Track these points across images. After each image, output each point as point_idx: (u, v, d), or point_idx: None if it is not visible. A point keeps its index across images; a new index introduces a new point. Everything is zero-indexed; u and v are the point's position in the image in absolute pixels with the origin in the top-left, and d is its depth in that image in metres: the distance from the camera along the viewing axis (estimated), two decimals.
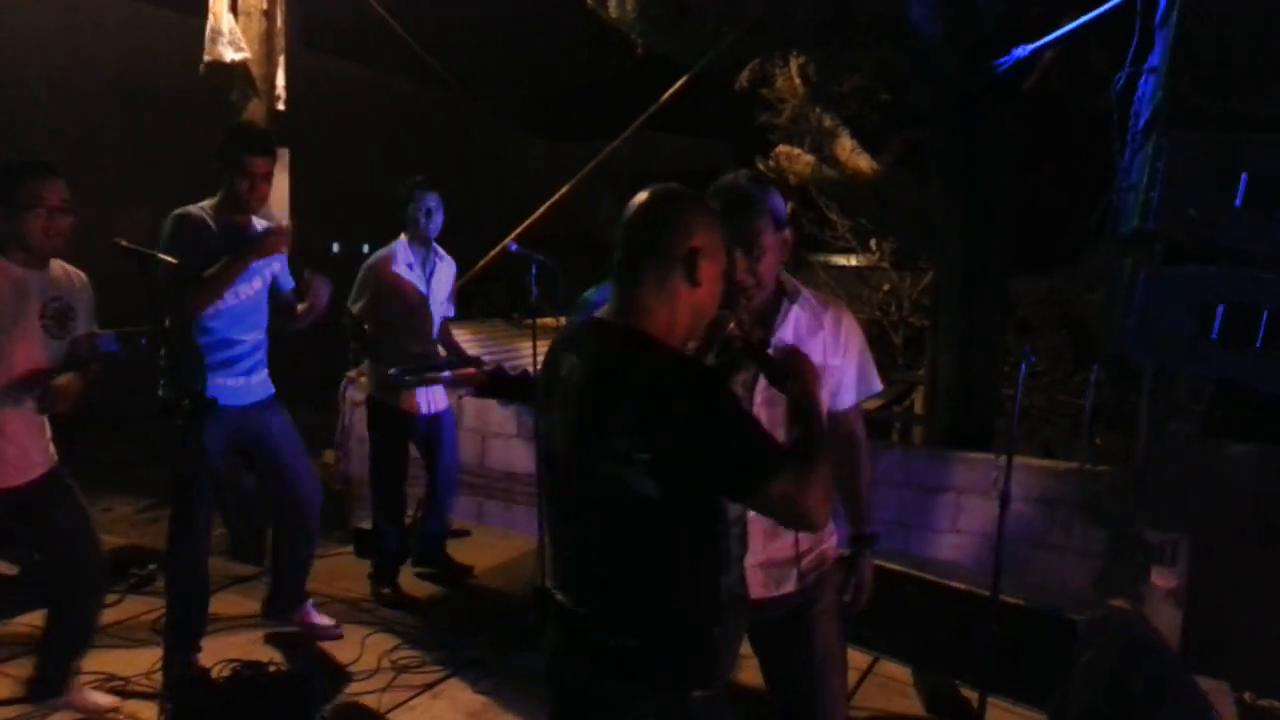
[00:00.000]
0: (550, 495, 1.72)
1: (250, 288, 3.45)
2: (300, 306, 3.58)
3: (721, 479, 1.56)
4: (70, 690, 3.18)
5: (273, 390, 3.63)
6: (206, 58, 4.64)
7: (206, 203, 3.39)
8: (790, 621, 2.15)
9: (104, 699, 3.23)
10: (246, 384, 3.49)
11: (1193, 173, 2.47)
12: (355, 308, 4.26)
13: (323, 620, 3.94)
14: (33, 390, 2.85)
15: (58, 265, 2.96)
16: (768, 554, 2.08)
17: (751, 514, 2.03)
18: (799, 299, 2.15)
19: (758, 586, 2.10)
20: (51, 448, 3.04)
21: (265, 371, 3.59)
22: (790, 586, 2.14)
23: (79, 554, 3.10)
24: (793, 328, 2.12)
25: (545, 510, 1.71)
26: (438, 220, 4.26)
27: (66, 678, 3.18)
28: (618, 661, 1.58)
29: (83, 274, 3.04)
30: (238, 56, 4.66)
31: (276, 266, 3.56)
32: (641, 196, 1.69)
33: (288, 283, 3.64)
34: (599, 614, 1.60)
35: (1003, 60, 4.30)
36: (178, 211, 3.32)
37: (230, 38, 4.61)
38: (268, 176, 3.38)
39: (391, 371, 4.10)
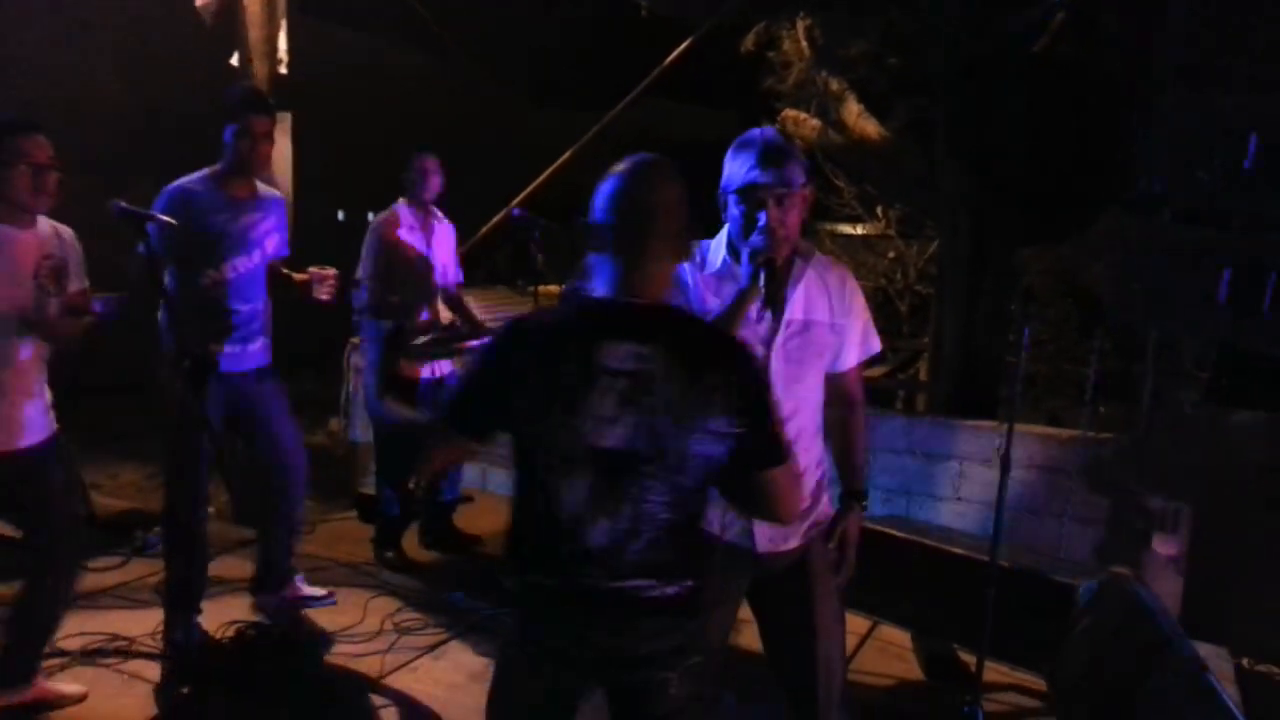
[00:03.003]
0: (609, 483, 1.62)
1: (250, 261, 3.44)
2: (298, 276, 3.55)
3: (770, 437, 1.70)
4: (36, 678, 2.99)
5: (269, 359, 3.61)
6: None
7: (206, 171, 3.36)
8: (790, 576, 2.19)
9: (73, 688, 3.06)
10: (243, 351, 3.49)
11: (1202, 135, 2.44)
12: (364, 273, 4.25)
13: (313, 591, 3.88)
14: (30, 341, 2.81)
15: (45, 223, 2.90)
16: None
17: None
18: (812, 259, 2.21)
19: (764, 540, 2.14)
20: (52, 414, 3.01)
21: (263, 340, 3.57)
22: (795, 541, 2.19)
23: (63, 527, 3.01)
24: (804, 287, 2.17)
25: (585, 499, 1.61)
26: (435, 182, 4.29)
27: (36, 662, 2.99)
28: (665, 607, 1.69)
29: (69, 229, 2.98)
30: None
31: (274, 239, 3.53)
32: (639, 169, 1.70)
33: (283, 250, 3.60)
34: (663, 578, 1.68)
35: (1013, 21, 4.24)
36: (169, 186, 3.30)
37: None
38: (268, 135, 3.37)
39: (417, 342, 4.14)
